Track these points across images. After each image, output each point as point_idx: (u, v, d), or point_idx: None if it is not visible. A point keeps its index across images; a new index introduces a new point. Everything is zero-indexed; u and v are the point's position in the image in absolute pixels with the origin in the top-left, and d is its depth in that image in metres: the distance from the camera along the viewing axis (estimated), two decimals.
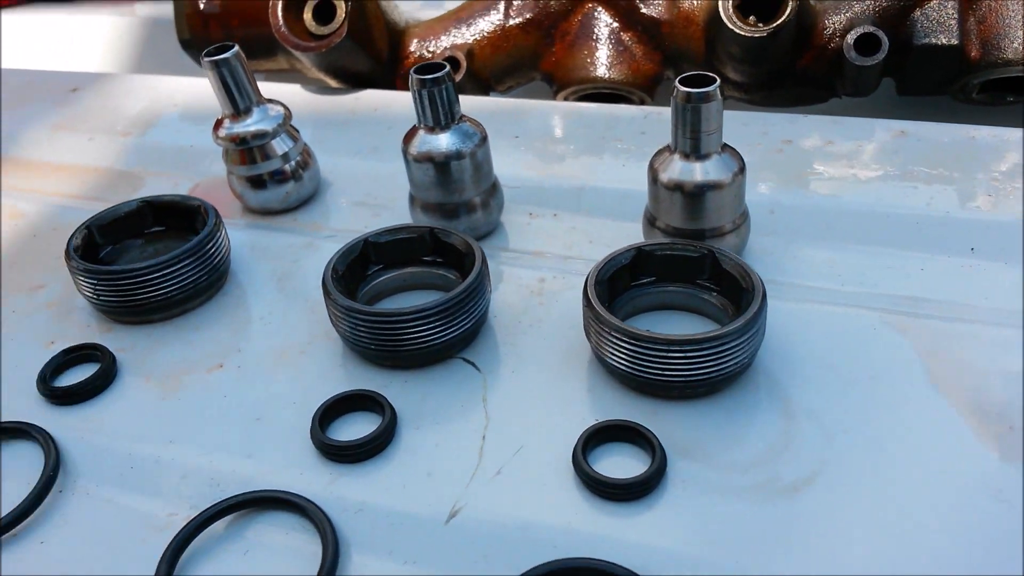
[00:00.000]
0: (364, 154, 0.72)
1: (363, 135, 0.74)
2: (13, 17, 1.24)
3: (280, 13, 0.75)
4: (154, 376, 0.50)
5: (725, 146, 0.52)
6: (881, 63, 0.70)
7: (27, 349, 0.53)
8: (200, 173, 0.71)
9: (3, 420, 0.47)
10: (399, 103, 0.78)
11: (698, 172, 0.51)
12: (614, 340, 0.44)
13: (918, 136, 0.65)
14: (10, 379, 0.50)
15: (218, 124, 0.62)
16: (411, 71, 0.55)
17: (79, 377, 0.49)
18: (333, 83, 0.82)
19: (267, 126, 0.62)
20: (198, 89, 0.84)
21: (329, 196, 0.67)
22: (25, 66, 1.17)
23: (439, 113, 0.56)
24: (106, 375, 0.49)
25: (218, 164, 0.70)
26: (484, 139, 0.57)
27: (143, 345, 0.52)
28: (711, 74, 0.50)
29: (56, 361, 0.50)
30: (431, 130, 0.56)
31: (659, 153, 0.54)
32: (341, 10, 0.75)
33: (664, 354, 0.43)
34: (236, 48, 0.59)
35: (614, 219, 0.61)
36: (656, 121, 0.71)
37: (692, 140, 0.51)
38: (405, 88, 0.82)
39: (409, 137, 0.57)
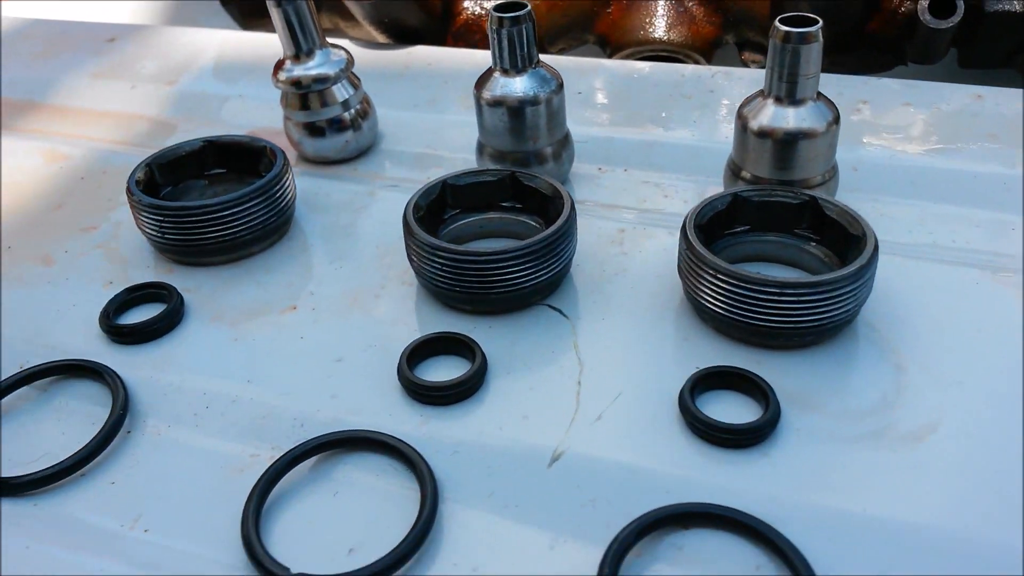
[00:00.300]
0: (422, 106, 0.70)
1: (419, 88, 0.72)
2: None
3: None
4: (224, 317, 0.47)
5: (820, 94, 0.50)
6: (955, 27, 0.68)
7: (84, 289, 0.50)
8: (250, 123, 0.69)
9: (69, 359, 0.44)
10: (454, 59, 0.75)
11: (792, 118, 0.49)
12: (718, 283, 0.42)
13: (996, 100, 0.63)
14: (69, 318, 0.48)
15: (278, 66, 0.60)
16: (491, 8, 0.52)
17: (144, 316, 0.47)
18: (382, 38, 0.79)
19: (329, 70, 0.59)
20: (242, 41, 0.81)
21: (387, 147, 0.65)
22: (43, 11, 1.15)
23: (516, 55, 0.53)
24: (174, 314, 0.46)
25: (268, 115, 0.68)
26: (560, 85, 0.55)
27: (209, 286, 0.50)
28: (812, 15, 0.48)
29: (120, 299, 0.47)
30: (507, 73, 0.54)
31: (749, 99, 0.51)
32: None
33: (775, 298, 0.41)
34: None
35: (688, 174, 0.58)
36: (725, 80, 0.69)
37: (788, 84, 0.49)
38: (456, 45, 0.80)
39: (483, 81, 0.55)
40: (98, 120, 0.70)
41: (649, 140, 0.62)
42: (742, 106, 0.52)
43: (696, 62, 0.79)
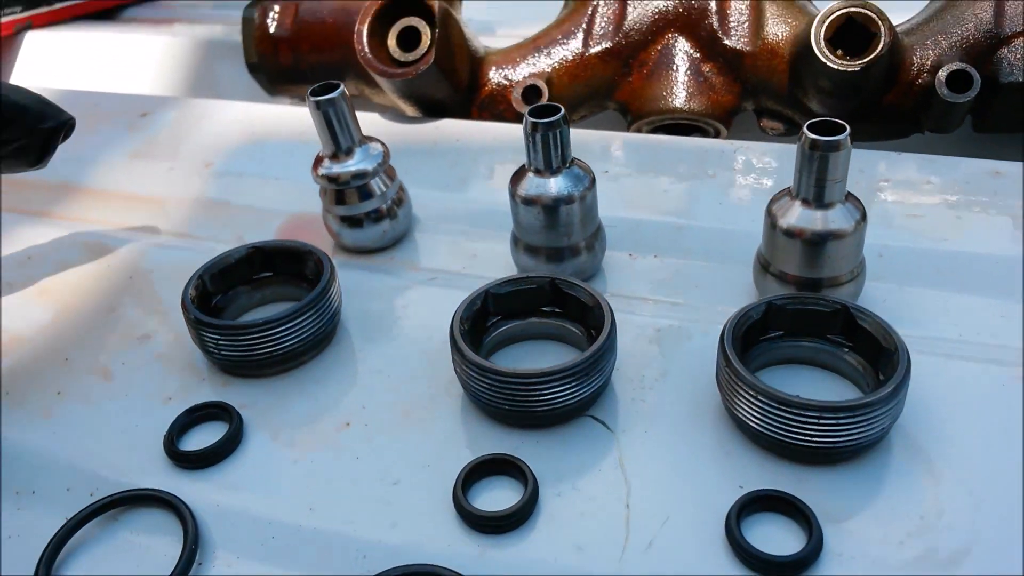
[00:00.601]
0: (453, 187, 0.72)
1: (449, 166, 0.74)
2: (51, 35, 1.22)
3: (365, 39, 0.74)
4: (282, 435, 0.49)
5: (848, 194, 0.52)
6: (971, 101, 0.69)
7: (146, 406, 0.52)
8: (287, 204, 0.71)
9: (135, 488, 0.46)
10: (481, 133, 0.77)
11: (820, 220, 0.51)
12: (758, 403, 0.44)
13: (1014, 177, 0.65)
14: (133, 440, 0.50)
15: (317, 162, 0.62)
16: (526, 113, 0.54)
17: (206, 437, 0.49)
18: (409, 110, 0.81)
19: (368, 166, 0.61)
20: (276, 116, 0.83)
21: (422, 232, 0.67)
22: (61, 85, 1.17)
23: (551, 157, 0.55)
24: (235, 436, 0.48)
25: (306, 199, 0.70)
26: (593, 181, 0.57)
27: (265, 401, 0.52)
28: (840, 121, 0.49)
29: (181, 421, 0.49)
30: (540, 173, 0.56)
31: (777, 197, 0.53)
32: (427, 36, 0.74)
33: (815, 421, 0.43)
34: (342, 88, 0.58)
35: (718, 261, 0.60)
36: (748, 156, 0.71)
37: (816, 188, 0.50)
38: (481, 116, 0.82)
39: (517, 179, 0.57)
40: (140, 206, 0.72)
41: (678, 224, 0.64)
42: (771, 203, 0.53)
43: (716, 130, 0.81)
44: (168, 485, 0.47)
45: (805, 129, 0.49)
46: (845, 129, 0.49)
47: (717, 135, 0.82)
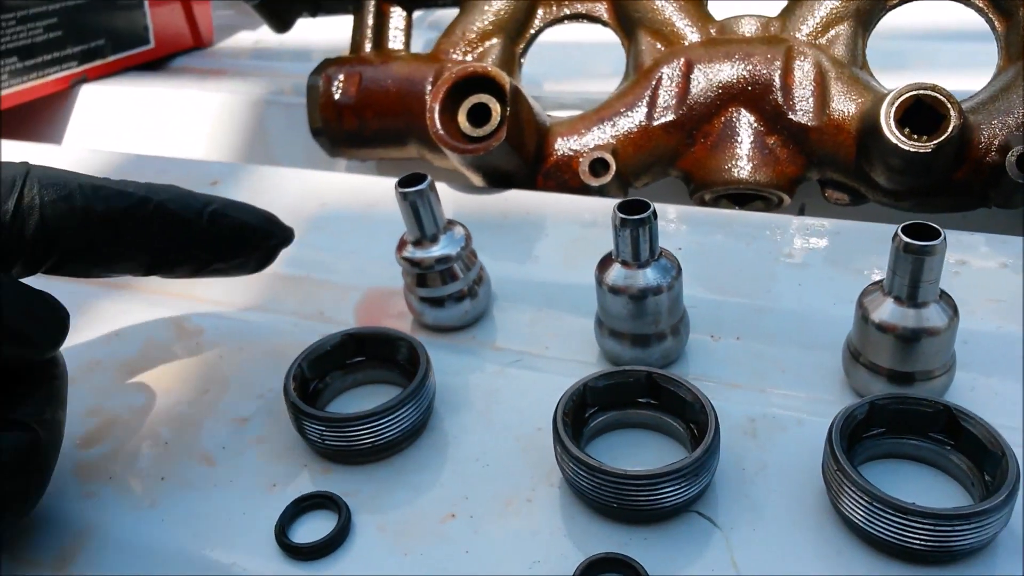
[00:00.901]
0: (527, 262, 0.72)
1: (521, 241, 0.75)
2: (106, 88, 1.24)
3: (438, 117, 0.76)
4: (388, 527, 0.50)
5: (942, 293, 0.52)
6: None
7: (251, 493, 0.53)
8: (365, 278, 0.72)
9: None
10: (550, 206, 0.78)
11: (912, 318, 0.52)
12: (873, 510, 0.44)
13: None
14: (242, 529, 0.50)
15: (402, 245, 0.63)
16: (614, 207, 0.55)
17: (315, 527, 0.49)
18: (475, 180, 0.82)
19: (451, 251, 0.62)
20: (346, 186, 0.84)
21: (501, 310, 0.67)
22: (114, 143, 1.19)
23: (640, 251, 0.56)
24: (344, 528, 0.49)
25: (382, 270, 0.71)
26: (680, 271, 0.57)
27: (368, 490, 0.52)
28: (935, 225, 0.50)
29: (290, 511, 0.50)
30: (628, 265, 0.57)
31: (869, 290, 0.54)
32: (496, 112, 0.76)
33: (930, 528, 0.43)
34: (429, 179, 0.59)
35: (802, 346, 0.61)
36: (820, 233, 0.72)
37: (910, 288, 0.51)
38: (547, 184, 0.83)
39: (604, 267, 0.58)
40: (220, 280, 0.73)
41: (758, 306, 0.65)
42: (863, 296, 0.54)
43: (780, 199, 0.82)
44: None
45: (900, 231, 0.50)
46: (940, 234, 0.49)
47: (780, 203, 0.83)
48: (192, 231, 0.55)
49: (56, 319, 0.48)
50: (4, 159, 0.51)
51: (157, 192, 0.54)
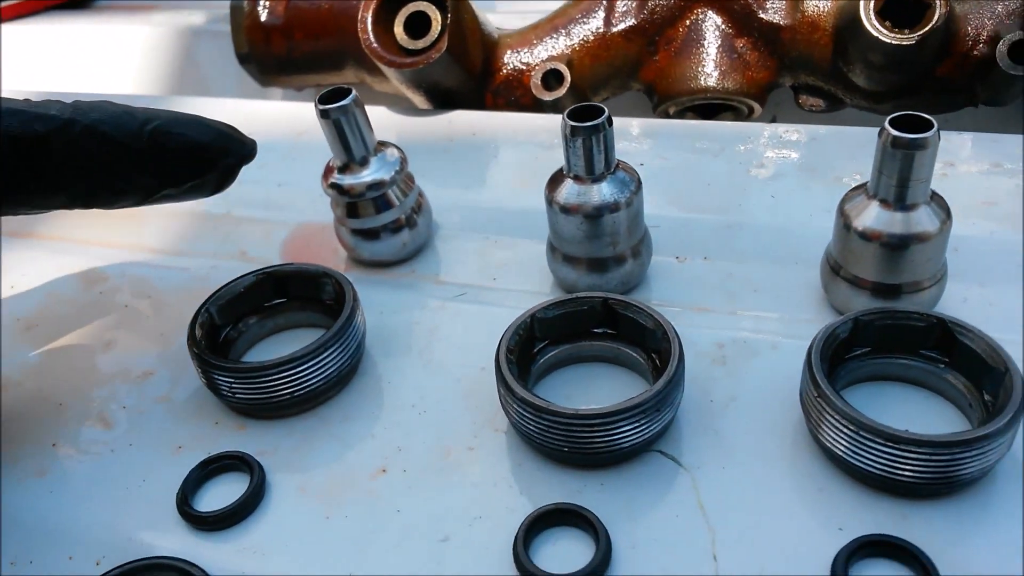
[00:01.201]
0: (473, 187, 0.66)
1: (467, 165, 0.68)
2: (24, 28, 1.15)
3: (371, 28, 0.68)
4: (309, 486, 0.44)
5: (932, 193, 0.46)
6: None
7: (153, 457, 0.46)
8: (293, 213, 0.65)
9: (147, 556, 0.40)
10: (499, 125, 0.71)
11: (901, 223, 0.45)
12: (862, 440, 0.38)
13: None
14: (142, 498, 0.44)
15: (328, 172, 0.56)
16: (563, 115, 0.48)
17: (224, 492, 0.43)
18: (418, 100, 0.75)
19: (384, 175, 0.55)
20: (273, 113, 0.76)
21: (444, 241, 0.61)
22: (39, 84, 1.10)
23: (594, 163, 0.49)
24: (257, 491, 0.43)
25: (314, 207, 0.64)
26: (639, 185, 0.51)
27: (287, 446, 0.46)
28: (927, 116, 0.44)
29: (194, 476, 0.43)
30: (581, 180, 0.50)
31: (851, 195, 0.48)
32: (436, 22, 0.68)
33: (926, 457, 0.37)
34: (354, 94, 0.52)
35: (776, 263, 0.55)
36: (796, 140, 0.65)
37: (898, 188, 0.45)
38: (496, 103, 0.76)
39: (554, 185, 0.51)
40: (128, 221, 0.66)
41: (727, 222, 0.58)
42: (844, 202, 0.48)
43: (750, 108, 0.75)
44: (184, 550, 0.41)
45: (887, 125, 0.43)
46: (932, 125, 0.43)
47: (751, 113, 0.76)
48: (132, 154, 0.46)
49: None
50: None
51: (86, 112, 0.45)
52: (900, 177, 0.44)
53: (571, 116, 0.48)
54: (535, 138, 0.70)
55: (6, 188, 0.44)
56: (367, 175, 0.54)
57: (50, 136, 0.44)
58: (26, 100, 0.45)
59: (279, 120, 0.75)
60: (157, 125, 0.46)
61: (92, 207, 0.47)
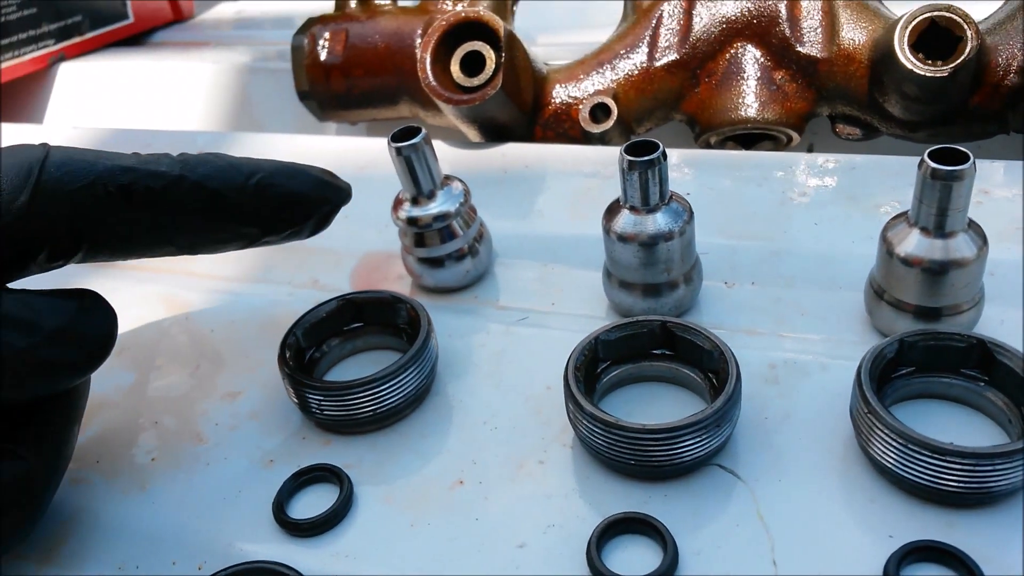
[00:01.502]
0: (529, 217, 0.69)
1: (522, 195, 0.71)
2: (85, 65, 1.21)
3: (429, 67, 0.72)
4: (394, 497, 0.47)
5: (970, 221, 0.49)
6: None
7: (246, 470, 0.50)
8: (360, 243, 0.69)
9: (247, 560, 0.44)
10: (550, 158, 0.75)
11: (940, 250, 0.48)
12: (910, 453, 0.41)
13: None
14: (238, 507, 0.48)
15: (397, 204, 0.60)
16: (621, 150, 0.52)
17: (316, 502, 0.47)
18: (471, 134, 0.79)
19: (450, 207, 0.59)
20: (335, 148, 0.81)
21: (503, 268, 0.64)
22: (100, 120, 1.15)
23: (649, 195, 0.53)
24: (347, 500, 0.46)
25: (378, 234, 0.68)
26: (692, 215, 0.54)
27: (370, 459, 0.50)
28: (963, 149, 0.47)
29: (288, 486, 0.47)
30: (637, 211, 0.53)
31: (893, 223, 0.51)
32: (491, 60, 0.72)
33: (970, 468, 0.40)
34: (424, 132, 0.56)
35: (822, 287, 0.58)
36: (835, 168, 0.68)
37: (937, 217, 0.48)
38: (546, 135, 0.80)
39: (611, 215, 0.54)
40: None
41: (773, 249, 0.61)
42: (886, 229, 0.51)
43: (789, 137, 0.78)
44: (281, 555, 0.45)
45: (926, 157, 0.47)
46: (968, 158, 0.46)
47: (789, 142, 0.80)
48: (237, 207, 0.48)
49: (96, 334, 0.44)
50: None
51: (194, 167, 0.47)
52: (939, 207, 0.47)
53: (628, 151, 0.51)
54: (584, 169, 0.74)
55: (118, 240, 0.47)
56: (434, 207, 0.58)
57: (161, 192, 0.46)
58: (135, 154, 0.47)
59: (342, 155, 0.79)
60: (261, 178, 0.48)
61: (197, 254, 0.50)
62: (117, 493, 0.50)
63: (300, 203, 0.50)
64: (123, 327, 0.63)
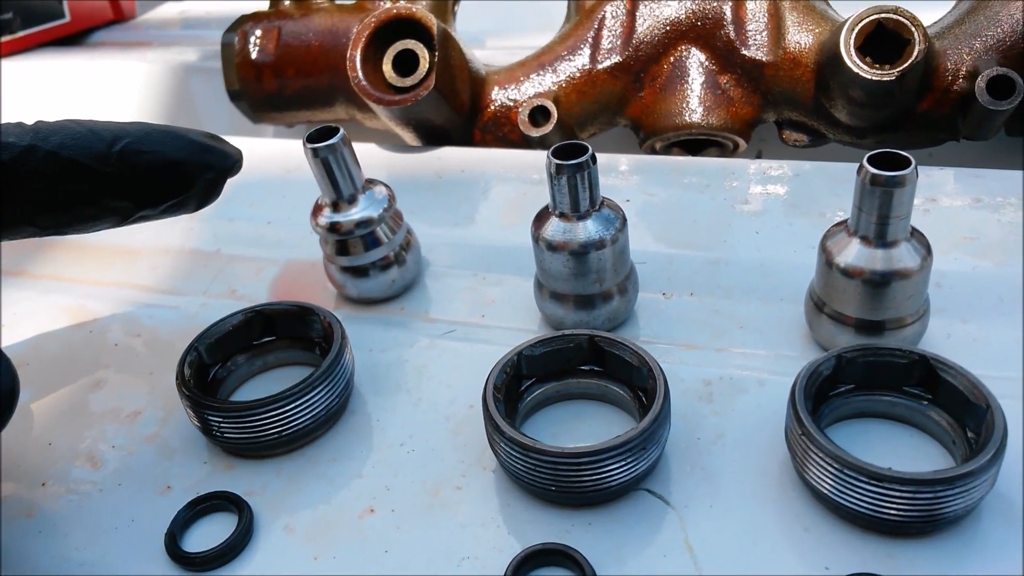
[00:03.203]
0: (462, 223, 0.66)
1: (456, 201, 0.68)
2: (19, 64, 1.16)
3: (359, 66, 0.69)
4: (298, 528, 0.44)
5: (913, 230, 0.47)
6: (1013, 108, 0.65)
7: (140, 497, 0.46)
8: (282, 251, 0.65)
9: None
10: (487, 162, 0.72)
11: (881, 260, 0.46)
12: (846, 479, 0.39)
13: None
14: (130, 539, 0.44)
15: (317, 210, 0.56)
16: (548, 153, 0.49)
17: (212, 533, 0.43)
18: (407, 137, 0.75)
19: (373, 213, 0.55)
20: (263, 151, 0.77)
21: (433, 279, 0.61)
22: (35, 118, 1.10)
23: (579, 200, 0.50)
24: (245, 532, 0.43)
25: (301, 241, 0.64)
26: (624, 223, 0.51)
27: (275, 486, 0.46)
28: (905, 153, 0.44)
29: (182, 516, 0.43)
30: (566, 217, 0.50)
31: (832, 232, 0.48)
32: (424, 60, 0.69)
33: (910, 496, 0.38)
34: (342, 132, 0.52)
35: (762, 300, 0.55)
36: (780, 175, 0.66)
37: (878, 225, 0.46)
38: (485, 139, 0.76)
39: (540, 222, 0.51)
40: (118, 259, 0.66)
41: (713, 258, 0.59)
42: (825, 239, 0.49)
43: (735, 144, 0.76)
44: None
45: (865, 163, 0.44)
46: (910, 163, 0.44)
47: (735, 148, 0.77)
48: (101, 178, 0.43)
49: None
50: None
51: (47, 136, 0.42)
52: (880, 214, 0.45)
53: (556, 154, 0.48)
54: (523, 174, 0.71)
55: None
56: (356, 213, 0.55)
57: (9, 165, 0.41)
58: None
59: (268, 157, 0.76)
60: (127, 143, 0.43)
61: (66, 234, 0.45)
62: (2, 520, 0.46)
63: (175, 171, 0.45)
64: (21, 339, 0.59)
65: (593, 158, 0.48)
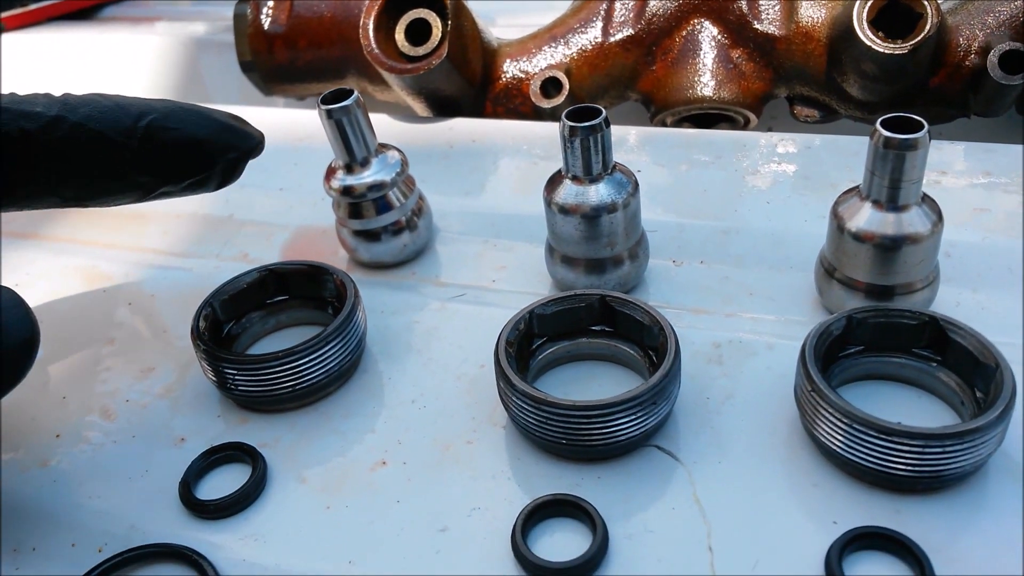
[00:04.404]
0: (473, 192, 0.66)
1: (467, 171, 0.68)
2: (27, 37, 1.16)
3: (372, 34, 0.69)
4: (310, 478, 0.44)
5: (924, 195, 0.47)
6: None
7: (156, 448, 0.47)
8: (294, 217, 0.65)
9: (149, 543, 0.41)
10: (499, 132, 0.72)
11: (892, 224, 0.46)
12: (855, 434, 0.39)
13: None
14: (145, 487, 0.45)
15: (330, 173, 0.56)
16: (562, 115, 0.49)
17: (225, 483, 0.44)
18: (418, 108, 0.76)
19: (385, 176, 0.56)
20: (275, 120, 0.77)
21: (444, 244, 0.61)
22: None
23: (592, 163, 0.50)
24: (259, 481, 0.43)
25: (313, 208, 0.65)
26: (636, 187, 0.52)
27: (288, 439, 0.46)
28: (917, 117, 0.45)
29: (197, 465, 0.44)
30: (579, 180, 0.51)
31: (844, 198, 0.49)
32: (437, 29, 0.69)
33: (918, 450, 0.38)
34: (356, 95, 0.52)
35: (772, 267, 0.55)
36: (790, 148, 0.66)
37: (890, 189, 0.46)
38: (496, 110, 0.77)
39: (552, 186, 0.52)
40: (133, 224, 0.66)
41: (723, 227, 0.59)
42: (837, 204, 0.49)
43: (746, 119, 0.76)
44: (186, 538, 0.41)
45: (879, 126, 0.44)
46: (923, 126, 0.44)
47: (747, 124, 0.77)
48: (126, 152, 0.43)
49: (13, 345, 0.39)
50: None
51: (75, 108, 0.42)
52: (892, 178, 0.45)
53: (570, 117, 0.49)
54: (534, 145, 0.71)
55: None
56: (368, 176, 0.55)
57: (36, 135, 0.41)
58: (11, 95, 0.43)
59: (279, 126, 0.76)
60: (153, 119, 0.44)
61: (88, 206, 0.46)
62: (16, 471, 0.47)
63: (199, 149, 0.45)
64: (35, 301, 0.59)
65: (607, 121, 0.49)
